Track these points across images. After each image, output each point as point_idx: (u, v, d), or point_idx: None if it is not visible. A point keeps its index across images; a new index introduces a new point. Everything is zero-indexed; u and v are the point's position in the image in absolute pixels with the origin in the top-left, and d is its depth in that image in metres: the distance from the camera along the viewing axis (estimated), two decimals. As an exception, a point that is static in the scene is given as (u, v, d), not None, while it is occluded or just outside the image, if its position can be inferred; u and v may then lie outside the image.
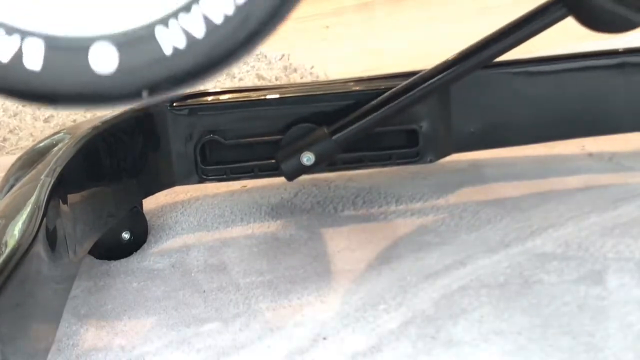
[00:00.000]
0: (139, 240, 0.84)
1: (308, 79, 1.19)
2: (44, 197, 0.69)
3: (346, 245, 0.82)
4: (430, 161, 0.86)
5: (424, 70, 0.82)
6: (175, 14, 0.40)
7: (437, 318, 0.71)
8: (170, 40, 0.41)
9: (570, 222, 0.82)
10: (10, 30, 0.40)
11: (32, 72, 0.41)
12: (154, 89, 0.41)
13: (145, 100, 0.41)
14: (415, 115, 0.84)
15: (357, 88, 0.85)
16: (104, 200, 0.80)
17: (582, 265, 0.76)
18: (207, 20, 0.40)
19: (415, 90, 0.81)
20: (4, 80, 0.41)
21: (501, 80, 0.86)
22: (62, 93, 0.42)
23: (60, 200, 0.71)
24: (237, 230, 0.86)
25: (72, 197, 0.73)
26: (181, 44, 0.41)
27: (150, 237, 0.85)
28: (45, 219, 0.67)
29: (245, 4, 0.40)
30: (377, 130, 0.83)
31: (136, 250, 0.83)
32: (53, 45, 0.41)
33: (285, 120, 0.83)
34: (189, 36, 0.40)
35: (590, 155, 0.94)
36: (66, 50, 0.41)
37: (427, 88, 0.81)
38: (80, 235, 0.74)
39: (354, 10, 1.38)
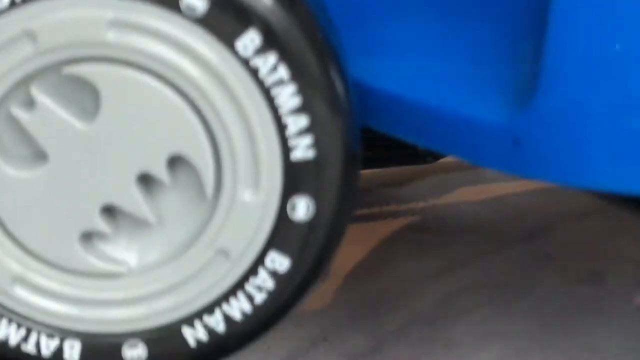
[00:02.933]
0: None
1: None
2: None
3: (346, 246, 0.82)
4: (429, 162, 0.86)
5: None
6: (199, 316, 0.46)
7: (437, 319, 0.71)
8: (194, 335, 0.47)
9: (570, 222, 0.82)
10: (52, 334, 0.47)
11: None
12: None
13: None
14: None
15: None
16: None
17: (582, 265, 0.76)
18: (228, 319, 0.47)
19: None
20: None
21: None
22: None
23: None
24: (238, 232, 0.86)
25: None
26: (204, 337, 0.47)
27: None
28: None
29: (261, 304, 0.47)
30: (375, 131, 0.83)
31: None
32: (89, 342, 0.47)
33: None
34: (211, 331, 0.47)
35: (591, 155, 0.94)
36: (101, 346, 0.47)
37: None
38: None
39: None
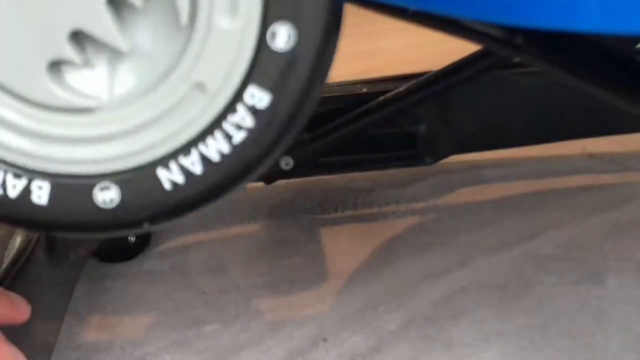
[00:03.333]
0: (144, 242, 0.84)
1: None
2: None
3: (346, 246, 0.82)
4: (429, 163, 0.86)
5: (419, 73, 0.82)
6: (175, 156, 0.43)
7: (437, 319, 0.71)
8: (170, 177, 0.44)
9: (571, 223, 0.82)
10: (18, 173, 0.44)
11: (39, 207, 0.44)
12: (154, 220, 0.45)
13: (147, 229, 0.44)
14: (413, 118, 0.84)
15: (354, 91, 0.85)
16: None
17: (582, 266, 0.76)
18: (205, 159, 0.43)
19: (395, 102, 0.81)
20: (12, 214, 0.45)
21: (500, 81, 0.86)
22: (67, 224, 0.45)
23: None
24: (237, 231, 0.86)
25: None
26: (180, 180, 0.44)
27: (150, 239, 0.85)
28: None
29: (241, 144, 0.43)
30: (375, 132, 0.83)
31: (141, 252, 0.84)
32: (58, 183, 0.44)
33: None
34: (187, 173, 0.44)
35: (591, 156, 0.94)
36: (71, 188, 0.44)
37: (403, 102, 0.81)
38: (81, 239, 0.74)
39: (354, 11, 1.38)
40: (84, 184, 0.44)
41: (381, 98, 0.81)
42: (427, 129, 0.84)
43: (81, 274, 0.78)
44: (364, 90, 0.85)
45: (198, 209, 0.44)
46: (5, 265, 0.64)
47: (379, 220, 0.86)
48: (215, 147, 0.43)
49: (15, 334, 0.57)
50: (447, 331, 0.70)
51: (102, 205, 0.44)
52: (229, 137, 0.43)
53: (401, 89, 0.80)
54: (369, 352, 0.68)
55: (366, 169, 0.88)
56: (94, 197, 0.44)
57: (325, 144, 0.81)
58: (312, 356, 0.68)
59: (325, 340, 0.70)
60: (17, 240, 0.66)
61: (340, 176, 0.91)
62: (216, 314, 0.74)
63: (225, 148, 0.43)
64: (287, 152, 0.80)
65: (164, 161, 0.44)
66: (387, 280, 0.76)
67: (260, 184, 0.90)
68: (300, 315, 0.73)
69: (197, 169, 0.43)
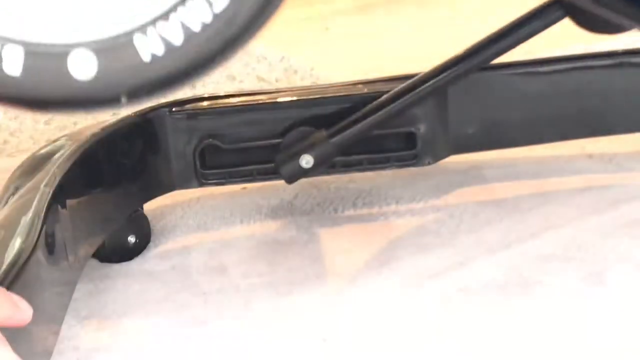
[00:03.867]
0: (144, 243, 0.84)
1: (308, 80, 1.19)
2: (44, 207, 0.69)
3: (346, 247, 0.82)
4: (429, 163, 0.86)
5: (422, 72, 0.82)
6: (153, 22, 0.41)
7: (437, 318, 0.71)
8: (148, 47, 0.42)
9: (571, 223, 0.82)
10: None
11: (12, 78, 0.42)
12: (132, 94, 0.42)
13: (125, 105, 0.42)
14: (412, 118, 0.84)
15: (355, 91, 0.85)
16: (104, 205, 0.80)
17: (582, 266, 0.76)
18: (185, 28, 0.41)
19: (413, 93, 0.81)
20: None
21: (499, 81, 0.86)
22: (41, 98, 0.43)
23: (59, 209, 0.71)
24: (237, 232, 0.86)
25: (72, 204, 0.74)
26: (159, 51, 0.42)
27: (150, 239, 0.85)
28: (45, 228, 0.67)
29: (223, 13, 0.41)
30: (375, 133, 0.83)
31: (141, 252, 0.84)
32: (32, 51, 0.42)
33: (284, 124, 0.83)
34: (167, 43, 0.42)
35: (591, 156, 0.94)
36: (45, 57, 0.42)
37: (425, 90, 0.81)
38: (81, 241, 0.74)
39: (354, 11, 1.38)
40: (58, 52, 0.42)
41: (397, 89, 0.81)
42: (427, 129, 0.85)
43: (81, 274, 0.78)
44: (365, 90, 0.85)
45: (177, 85, 0.43)
46: (4, 266, 0.64)
47: (379, 220, 0.86)
48: (196, 15, 0.41)
49: (15, 336, 0.57)
50: (447, 331, 0.70)
51: (77, 77, 0.42)
52: (209, 3, 0.41)
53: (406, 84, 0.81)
54: (369, 353, 0.68)
55: (366, 169, 0.88)
56: (68, 67, 0.42)
57: (343, 141, 0.81)
58: (312, 356, 0.68)
59: (324, 340, 0.70)
60: (17, 241, 0.66)
61: (340, 176, 0.91)
62: (216, 314, 0.74)
63: (206, 16, 0.41)
64: (307, 151, 0.80)
65: (141, 28, 0.42)
66: (387, 281, 0.76)
67: (260, 184, 0.90)
68: (300, 316, 0.73)
69: (176, 38, 0.42)
